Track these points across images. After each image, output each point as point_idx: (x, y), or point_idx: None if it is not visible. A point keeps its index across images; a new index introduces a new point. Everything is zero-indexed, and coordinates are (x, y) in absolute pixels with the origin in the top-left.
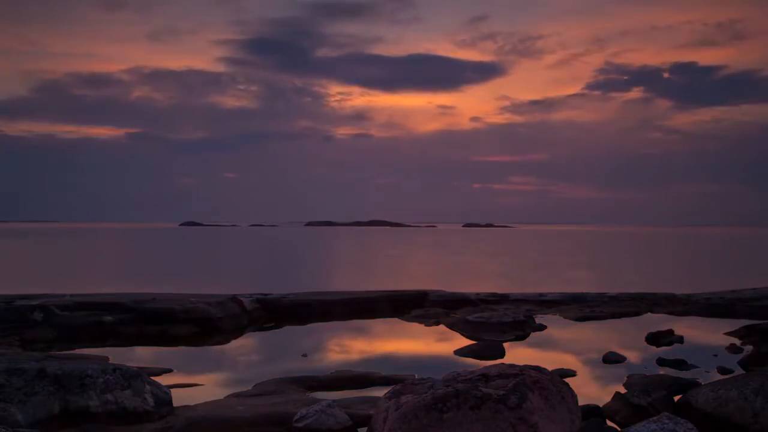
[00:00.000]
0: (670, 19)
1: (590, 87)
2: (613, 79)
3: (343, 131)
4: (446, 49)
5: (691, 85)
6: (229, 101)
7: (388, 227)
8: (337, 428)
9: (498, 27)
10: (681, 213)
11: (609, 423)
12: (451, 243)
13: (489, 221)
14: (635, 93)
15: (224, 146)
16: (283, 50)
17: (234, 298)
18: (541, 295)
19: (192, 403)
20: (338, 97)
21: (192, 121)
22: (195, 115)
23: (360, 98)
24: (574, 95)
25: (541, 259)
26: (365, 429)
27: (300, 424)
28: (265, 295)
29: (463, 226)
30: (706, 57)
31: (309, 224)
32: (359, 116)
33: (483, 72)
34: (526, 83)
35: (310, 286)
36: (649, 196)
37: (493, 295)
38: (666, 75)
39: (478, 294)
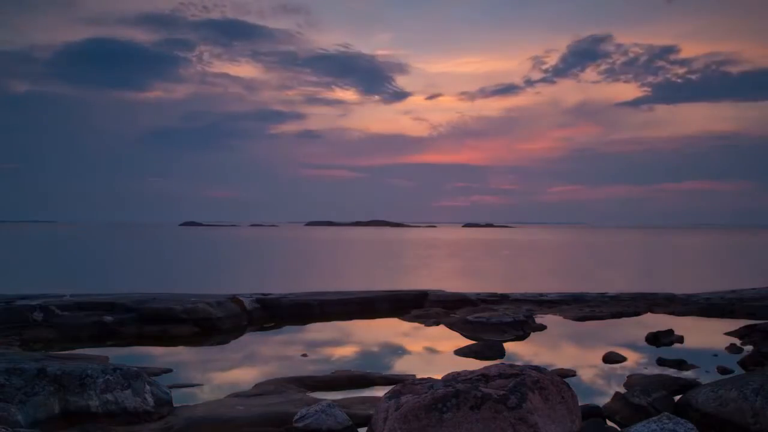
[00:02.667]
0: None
1: None
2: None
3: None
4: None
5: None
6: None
7: (388, 227)
8: (337, 428)
9: None
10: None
11: (609, 423)
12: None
13: (488, 221)
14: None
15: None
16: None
17: (234, 298)
18: (541, 295)
19: (192, 403)
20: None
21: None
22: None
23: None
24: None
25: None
26: (365, 429)
27: (300, 424)
28: (265, 295)
29: (463, 226)
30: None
31: (309, 224)
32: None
33: None
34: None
35: (310, 286)
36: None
37: (493, 295)
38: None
39: (478, 294)
